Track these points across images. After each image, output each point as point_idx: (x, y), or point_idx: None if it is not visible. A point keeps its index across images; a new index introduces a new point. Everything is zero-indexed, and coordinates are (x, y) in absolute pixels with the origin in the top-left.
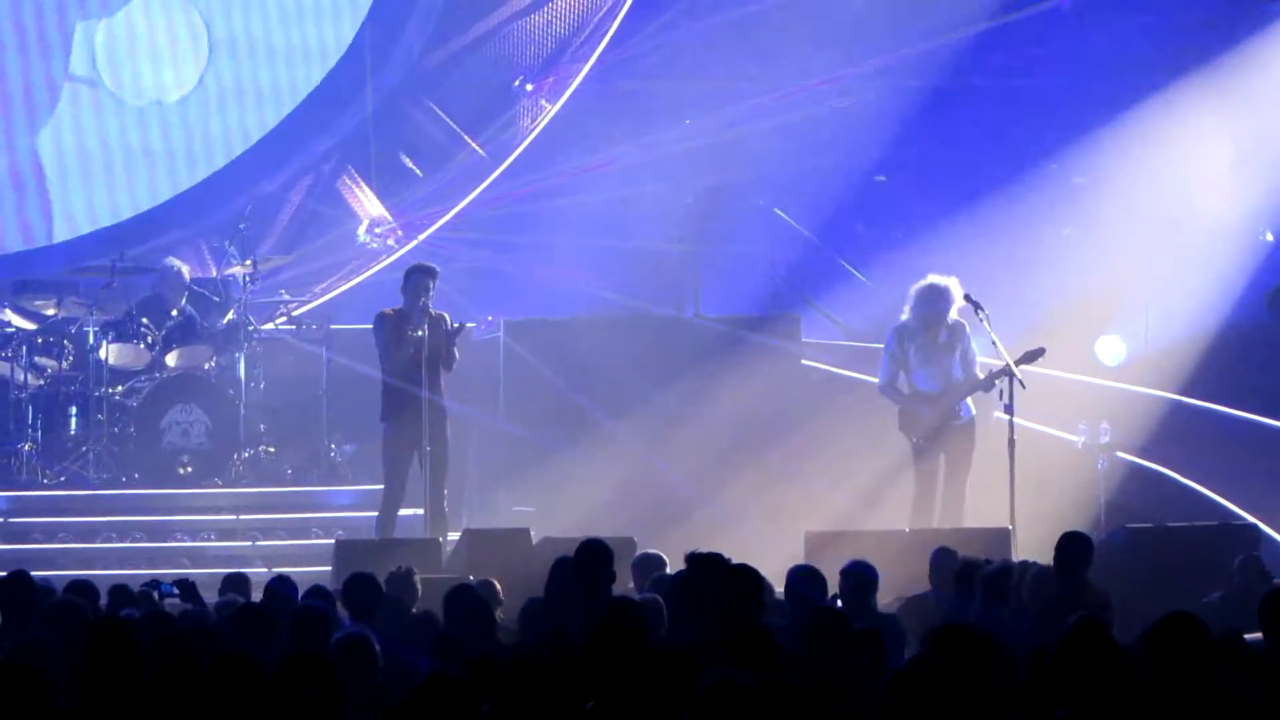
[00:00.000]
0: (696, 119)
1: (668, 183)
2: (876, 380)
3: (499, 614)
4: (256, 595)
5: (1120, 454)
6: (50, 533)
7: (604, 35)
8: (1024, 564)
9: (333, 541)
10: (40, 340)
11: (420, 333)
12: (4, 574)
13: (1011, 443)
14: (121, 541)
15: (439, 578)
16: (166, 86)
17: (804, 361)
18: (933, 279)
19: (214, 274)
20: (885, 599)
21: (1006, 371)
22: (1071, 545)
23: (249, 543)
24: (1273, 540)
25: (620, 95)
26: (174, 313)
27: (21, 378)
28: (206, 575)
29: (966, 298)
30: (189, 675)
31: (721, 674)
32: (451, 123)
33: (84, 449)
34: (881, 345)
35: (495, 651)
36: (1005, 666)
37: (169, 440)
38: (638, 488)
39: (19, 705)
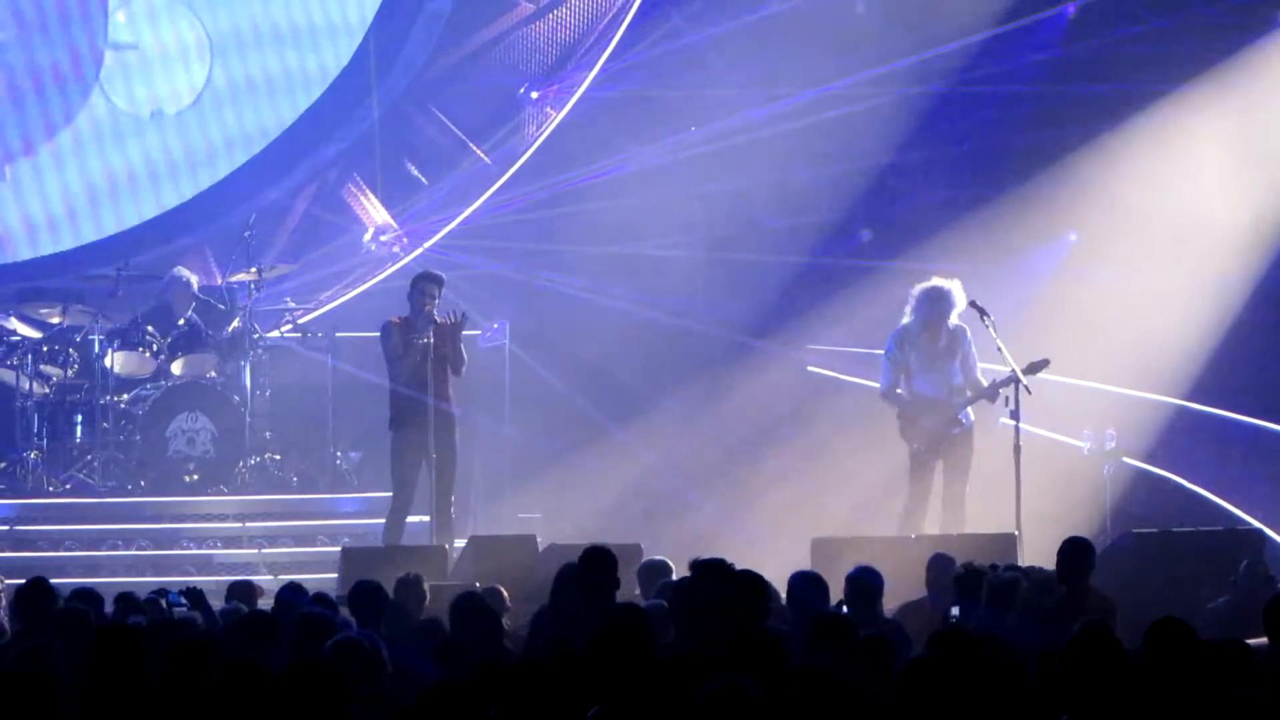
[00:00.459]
0: (702, 126)
1: (673, 189)
2: (878, 386)
3: (505, 621)
4: (263, 603)
5: (1126, 459)
6: (56, 541)
7: (609, 42)
8: (1029, 570)
9: (339, 549)
10: (46, 348)
11: (426, 340)
12: (22, 581)
13: (1017, 448)
14: (127, 549)
15: (445, 585)
16: (169, 97)
17: (809, 368)
18: (936, 281)
19: (219, 282)
20: (891, 605)
21: (1012, 379)
22: (1074, 550)
23: (255, 550)
24: (1278, 545)
25: (625, 102)
26: (179, 321)
27: (27, 386)
28: (213, 583)
29: (972, 304)
30: (195, 683)
31: (726, 679)
32: (457, 130)
33: (90, 457)
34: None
35: (502, 658)
36: (1011, 671)
37: (175, 448)
38: (644, 494)
39: (26, 713)
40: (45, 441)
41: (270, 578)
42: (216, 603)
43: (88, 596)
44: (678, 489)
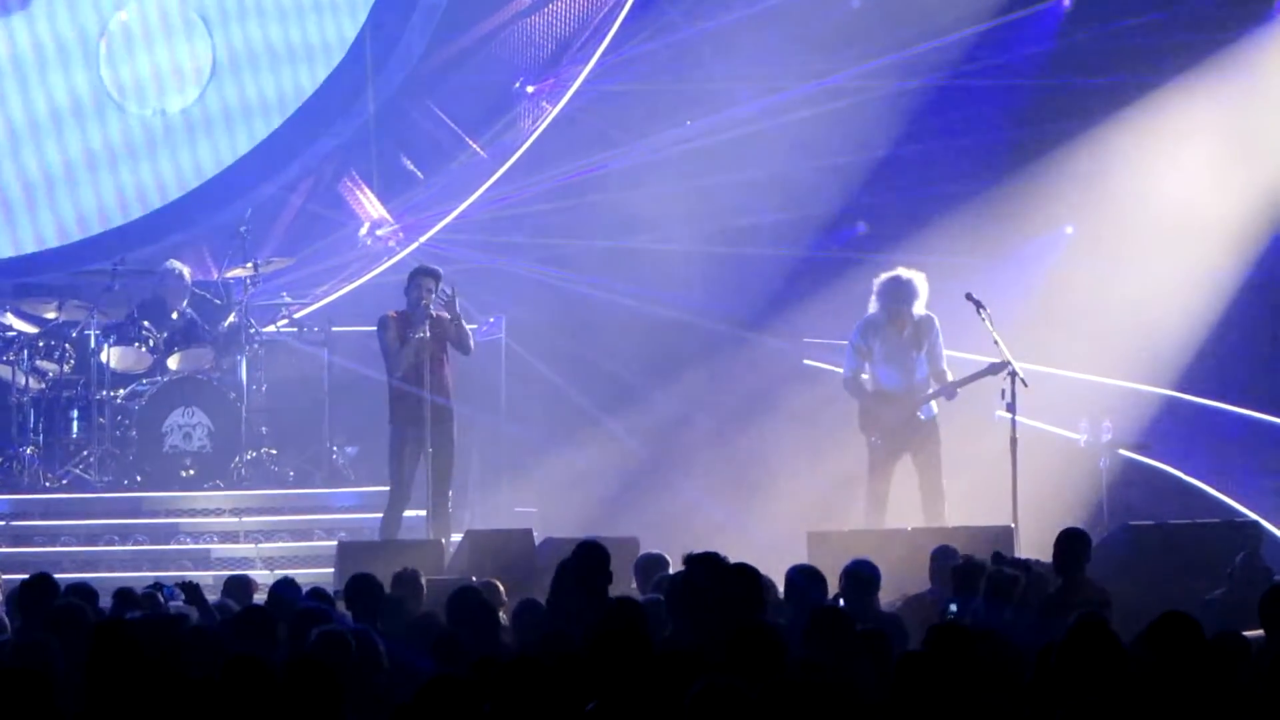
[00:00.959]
0: (698, 119)
1: (669, 183)
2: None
3: (502, 615)
4: (259, 598)
5: (1122, 451)
6: (53, 536)
7: (604, 37)
8: (1026, 562)
9: (335, 543)
10: (41, 344)
11: (424, 334)
12: (23, 577)
13: (1014, 441)
14: (124, 545)
15: (441, 579)
16: (169, 93)
17: (806, 361)
18: (899, 271)
19: (215, 277)
20: (887, 598)
21: (996, 369)
22: (1070, 542)
23: (251, 545)
24: (1274, 537)
25: (621, 96)
26: (175, 316)
27: (23, 381)
28: (209, 578)
29: (968, 296)
30: (191, 678)
31: (712, 678)
32: (453, 124)
33: (86, 452)
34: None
35: (498, 652)
36: (1009, 665)
37: (171, 443)
38: (640, 488)
39: (23, 709)
40: (41, 437)
41: (266, 572)
42: (213, 597)
43: (82, 591)
44: (675, 483)
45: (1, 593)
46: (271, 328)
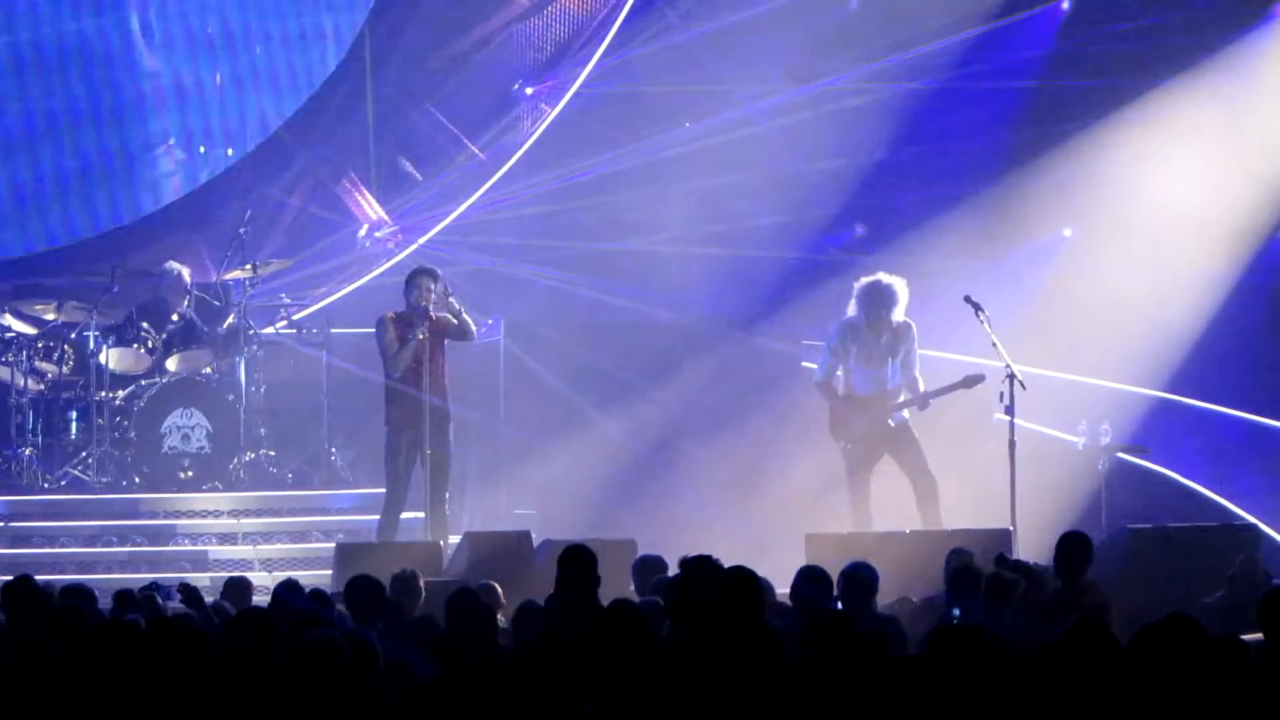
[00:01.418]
0: (696, 121)
1: (667, 185)
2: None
3: (500, 617)
4: (259, 599)
5: (1121, 454)
6: (51, 537)
7: (603, 39)
8: (1024, 564)
9: (333, 545)
10: (40, 345)
11: (422, 336)
12: (8, 579)
13: (1012, 444)
14: (122, 546)
15: (439, 581)
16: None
17: (804, 363)
18: (880, 276)
19: (214, 278)
20: (886, 600)
21: (970, 382)
22: (1071, 545)
23: (250, 547)
24: (1273, 540)
25: (619, 98)
26: (174, 317)
27: (22, 382)
28: (207, 579)
29: (966, 299)
30: (189, 679)
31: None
32: (452, 126)
33: (84, 453)
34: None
35: (497, 654)
36: (1008, 668)
37: (169, 444)
38: (638, 490)
39: (21, 709)
40: (40, 438)
41: (265, 574)
42: (212, 599)
43: (80, 593)
44: (673, 485)
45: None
46: (270, 329)
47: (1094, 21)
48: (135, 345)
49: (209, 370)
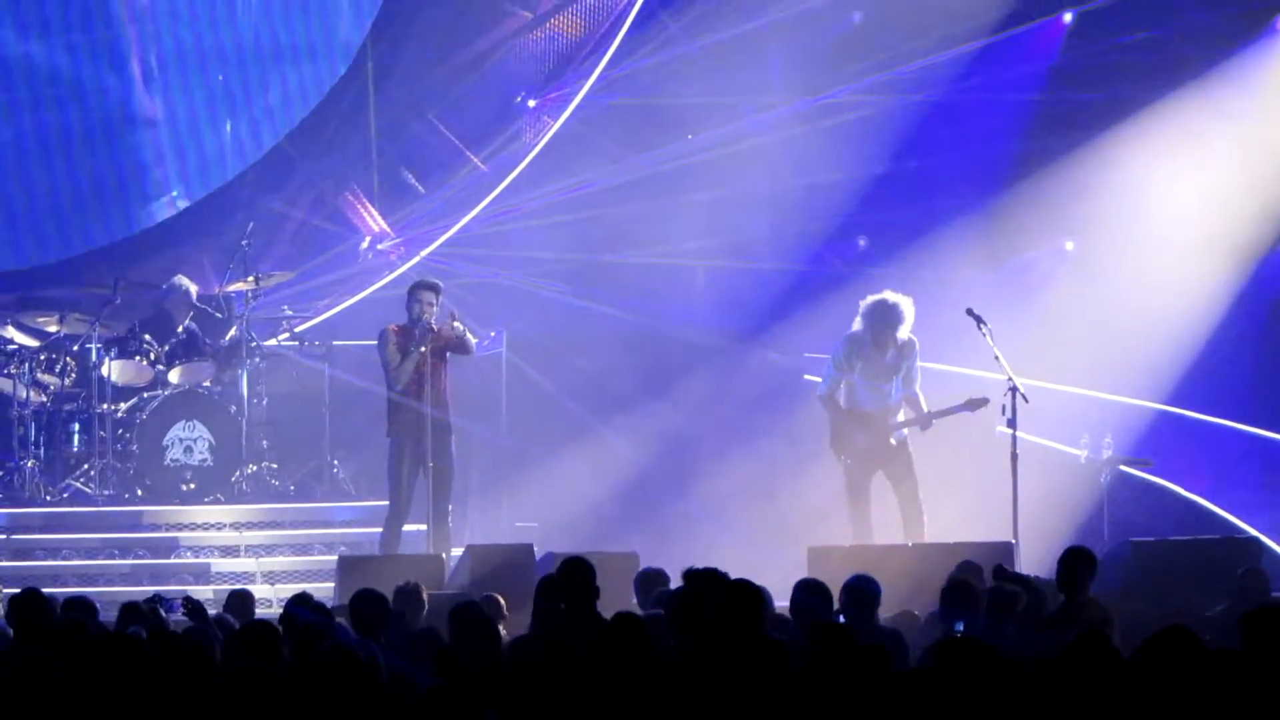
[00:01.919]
0: (698, 134)
1: (670, 198)
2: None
3: (502, 630)
4: (270, 614)
5: (1123, 467)
6: (53, 550)
7: (606, 52)
8: (1026, 578)
9: (335, 558)
10: (43, 357)
11: (424, 348)
12: (16, 591)
13: (1014, 457)
14: (124, 558)
15: (441, 594)
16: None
17: (806, 376)
18: (887, 295)
19: (217, 290)
20: (888, 614)
21: (974, 405)
22: (1075, 560)
23: (252, 559)
24: (1275, 553)
25: (622, 110)
26: (177, 329)
27: (24, 394)
28: (209, 592)
29: (968, 312)
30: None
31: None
32: (454, 138)
33: (87, 466)
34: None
35: (499, 667)
36: (1012, 681)
37: (172, 457)
38: (640, 502)
39: None
40: (42, 450)
41: (267, 587)
42: (214, 612)
43: (81, 605)
44: (675, 497)
45: (3, 605)
46: (273, 341)
47: (1096, 34)
48: (137, 357)
49: (211, 382)
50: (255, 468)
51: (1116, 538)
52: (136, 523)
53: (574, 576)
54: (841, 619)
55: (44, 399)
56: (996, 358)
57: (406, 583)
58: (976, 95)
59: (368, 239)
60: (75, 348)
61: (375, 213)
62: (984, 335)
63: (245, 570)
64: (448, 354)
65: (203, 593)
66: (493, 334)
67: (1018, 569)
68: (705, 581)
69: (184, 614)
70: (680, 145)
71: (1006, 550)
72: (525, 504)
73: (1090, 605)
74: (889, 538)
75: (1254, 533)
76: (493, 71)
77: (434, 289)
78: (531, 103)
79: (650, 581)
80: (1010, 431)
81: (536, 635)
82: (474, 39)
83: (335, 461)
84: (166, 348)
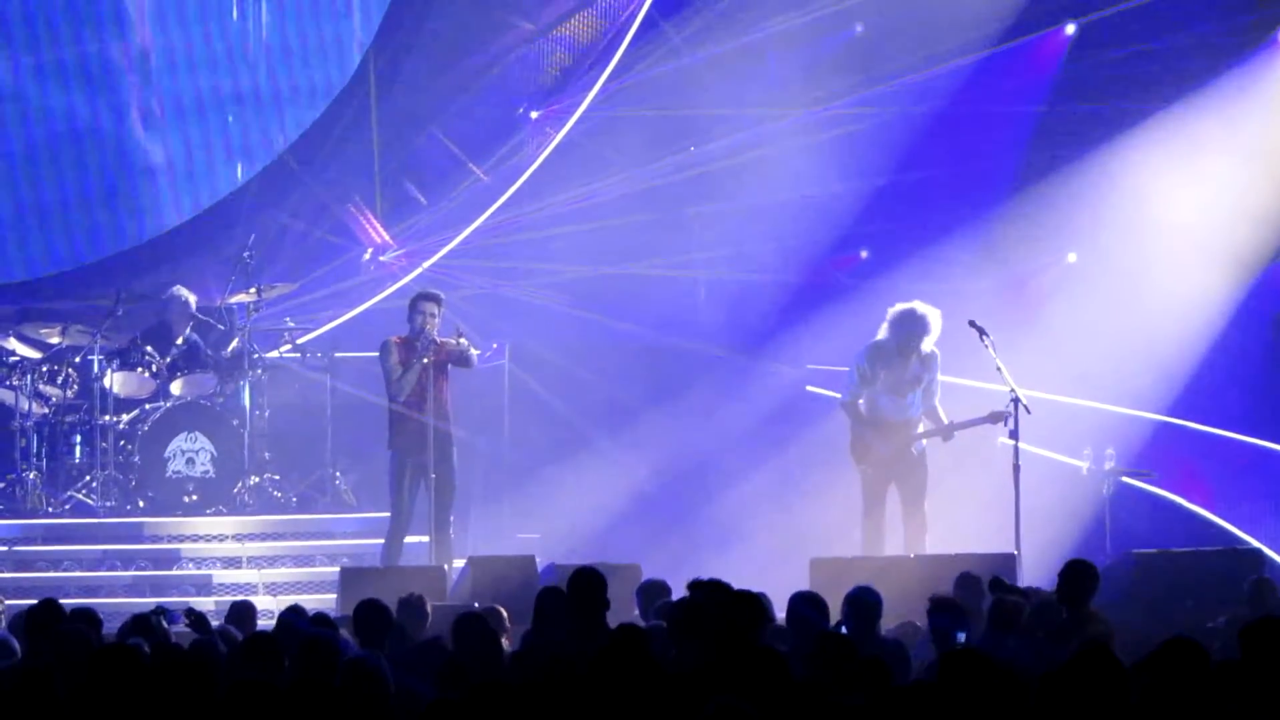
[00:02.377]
0: (701, 145)
1: (672, 209)
2: (840, 395)
3: (505, 641)
4: (264, 624)
5: (1125, 478)
6: (55, 561)
7: (608, 63)
8: (1028, 591)
9: (337, 569)
10: (45, 368)
11: (426, 359)
12: (29, 603)
13: (1016, 468)
14: (126, 570)
15: (444, 605)
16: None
17: (808, 387)
18: (916, 305)
19: (219, 302)
20: (890, 625)
21: (996, 418)
22: (1076, 573)
23: (254, 571)
24: (1277, 565)
25: (625, 122)
26: (179, 341)
27: (26, 406)
28: (211, 603)
29: (971, 323)
30: (195, 703)
31: (724, 700)
32: (456, 149)
33: (89, 477)
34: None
35: (502, 678)
36: (1014, 693)
37: (174, 468)
38: (643, 514)
39: None
40: (44, 462)
41: (269, 598)
42: (218, 623)
43: (86, 617)
44: (677, 509)
45: (5, 618)
46: (275, 353)
47: (1098, 46)
48: (139, 369)
49: (213, 394)
50: (257, 479)
51: (1118, 549)
52: (138, 534)
53: (585, 587)
54: (844, 630)
55: (46, 411)
56: (999, 369)
57: (411, 594)
58: (979, 107)
59: (370, 250)
60: (77, 359)
61: (377, 224)
62: (986, 346)
63: (247, 582)
64: (449, 365)
65: (205, 604)
66: (495, 346)
67: (1019, 581)
68: (708, 592)
69: (186, 625)
70: (684, 157)
71: (1008, 562)
72: (527, 515)
73: (1092, 619)
74: (900, 547)
75: (1256, 544)
76: (495, 83)
77: (436, 300)
78: (534, 114)
79: (652, 592)
80: (1013, 443)
81: (540, 646)
82: (476, 51)
83: (337, 473)
84: (168, 359)
